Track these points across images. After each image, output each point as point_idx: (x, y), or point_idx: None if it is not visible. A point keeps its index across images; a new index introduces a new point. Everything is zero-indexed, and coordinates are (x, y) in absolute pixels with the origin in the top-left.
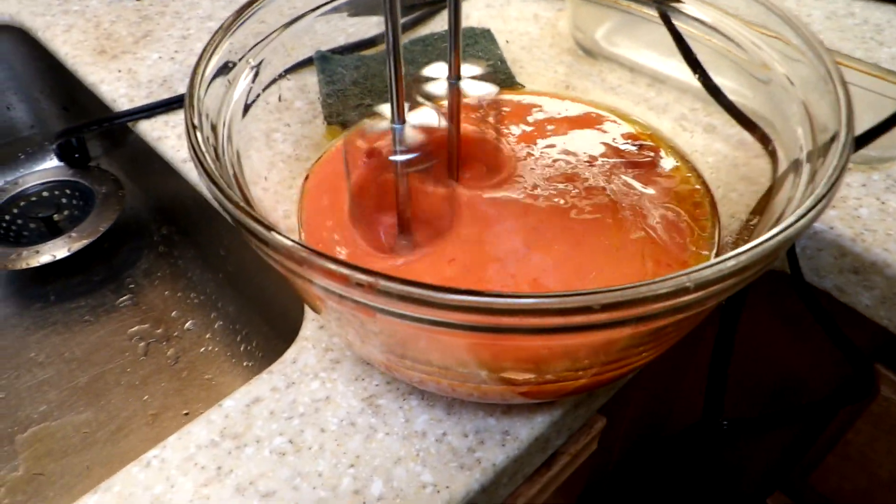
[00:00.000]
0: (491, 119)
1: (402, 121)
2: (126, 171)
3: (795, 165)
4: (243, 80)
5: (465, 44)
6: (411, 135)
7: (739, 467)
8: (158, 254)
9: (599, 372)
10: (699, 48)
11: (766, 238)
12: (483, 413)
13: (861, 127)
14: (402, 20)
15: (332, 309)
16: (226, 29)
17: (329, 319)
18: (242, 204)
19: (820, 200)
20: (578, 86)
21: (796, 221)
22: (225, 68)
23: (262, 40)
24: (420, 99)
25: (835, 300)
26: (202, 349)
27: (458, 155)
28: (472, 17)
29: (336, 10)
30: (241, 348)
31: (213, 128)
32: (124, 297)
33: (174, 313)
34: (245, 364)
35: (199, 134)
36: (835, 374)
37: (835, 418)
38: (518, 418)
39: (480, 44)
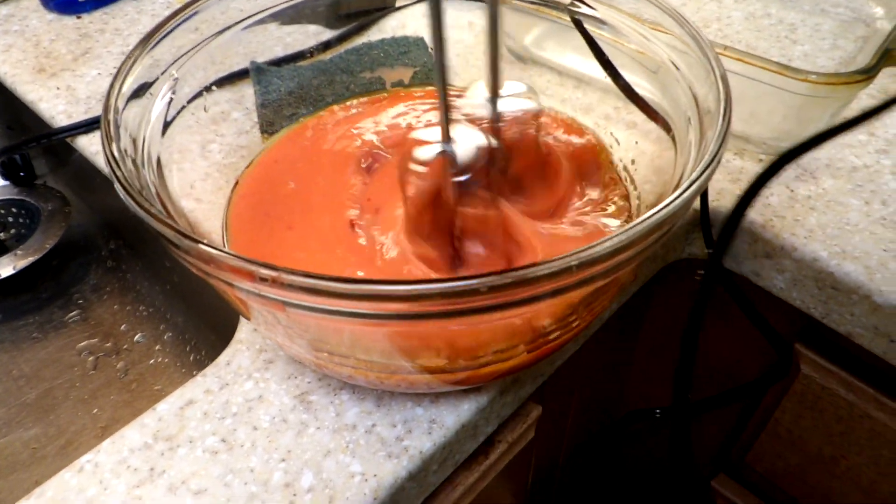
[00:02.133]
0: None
1: (449, 139)
2: (72, 187)
3: (688, 145)
4: (163, 95)
5: (398, 52)
6: (461, 154)
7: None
8: (106, 268)
9: (517, 354)
10: (610, 50)
11: (644, 218)
12: (411, 403)
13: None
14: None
15: (256, 310)
16: (144, 42)
17: (258, 323)
18: (155, 211)
19: (695, 181)
20: None
21: (676, 199)
22: (144, 85)
23: (186, 53)
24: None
25: (755, 285)
26: (151, 361)
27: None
28: (408, 26)
29: (270, 18)
30: (191, 358)
31: (133, 140)
32: (73, 313)
33: (123, 326)
34: (194, 373)
35: (114, 146)
36: (762, 357)
37: (763, 399)
38: (445, 407)
39: (412, 52)
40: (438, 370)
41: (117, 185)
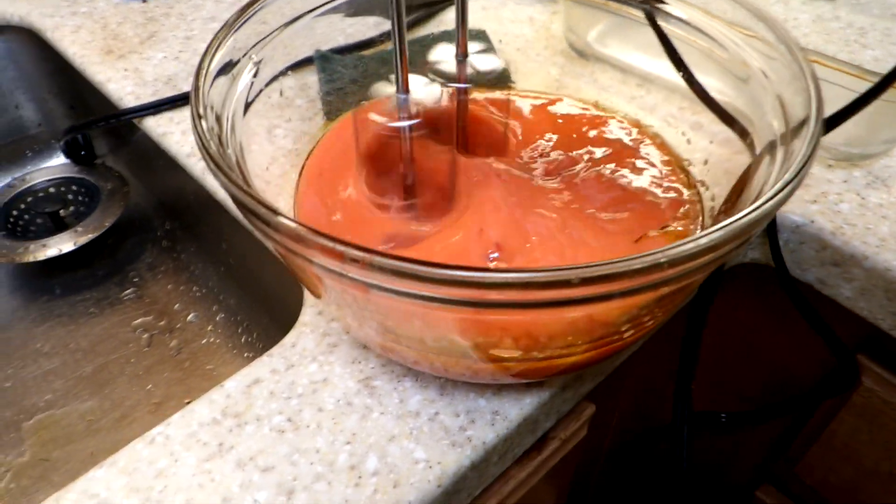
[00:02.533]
0: (494, 107)
1: (406, 90)
2: (131, 168)
3: (770, 150)
4: (245, 76)
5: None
6: (417, 105)
7: (729, 460)
8: (162, 248)
9: (585, 350)
10: (684, 48)
11: (739, 217)
12: (474, 394)
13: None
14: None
15: (330, 290)
16: (229, 26)
17: (328, 303)
18: (245, 187)
19: (791, 181)
20: (570, 85)
21: (768, 200)
22: (228, 64)
23: (263, 38)
24: (430, 76)
25: (819, 293)
26: (204, 340)
27: (465, 127)
28: (469, 18)
29: (334, 10)
30: (242, 339)
31: (218, 119)
32: (128, 291)
33: (177, 306)
34: (245, 355)
35: (203, 123)
36: (821, 367)
37: (819, 410)
38: (507, 399)
39: (473, 43)
40: (505, 360)
41: (208, 162)
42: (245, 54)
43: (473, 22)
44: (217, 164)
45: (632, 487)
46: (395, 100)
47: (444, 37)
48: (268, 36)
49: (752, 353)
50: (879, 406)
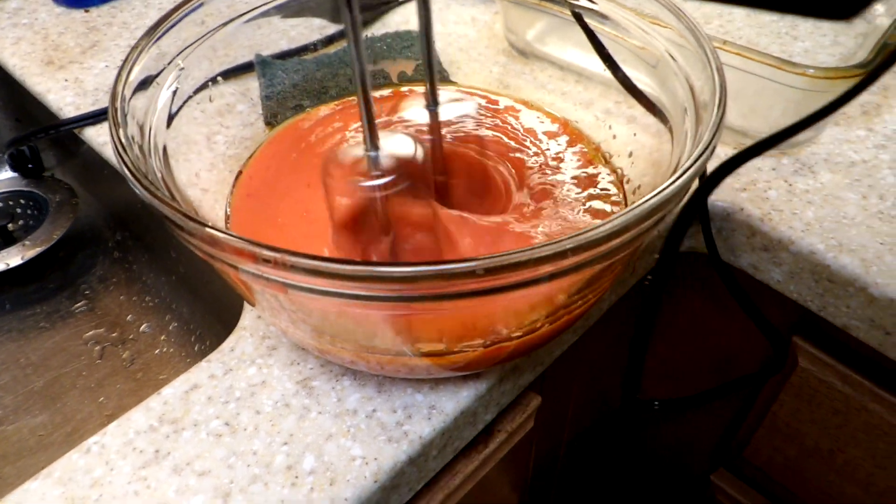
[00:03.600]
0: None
1: (376, 147)
2: (80, 179)
3: (683, 140)
4: (170, 83)
5: (401, 46)
6: (387, 160)
7: (687, 447)
8: (113, 259)
9: (510, 339)
10: (613, 46)
11: (640, 203)
12: (411, 390)
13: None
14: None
15: (259, 295)
16: (150, 33)
17: (262, 308)
18: (160, 194)
19: (691, 166)
20: (512, 84)
21: (670, 185)
22: (152, 73)
23: (191, 45)
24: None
25: (752, 278)
26: (157, 350)
27: (442, 176)
28: (411, 21)
29: (265, 14)
30: (196, 348)
31: (140, 128)
32: (80, 304)
33: (129, 317)
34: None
35: (121, 132)
36: (763, 350)
37: (761, 393)
38: (444, 393)
39: (415, 46)
40: (436, 354)
41: (123, 169)
42: (170, 62)
43: (416, 24)
44: (133, 172)
45: (596, 476)
46: (365, 158)
47: (385, 39)
48: (196, 41)
49: (699, 340)
50: (815, 385)
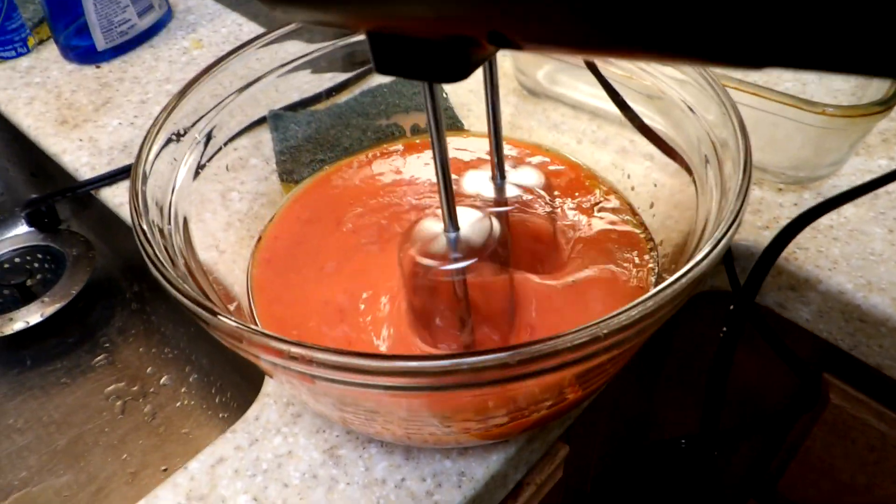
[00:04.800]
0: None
1: (456, 227)
2: (95, 231)
3: (709, 188)
4: (189, 154)
5: (412, 92)
6: (466, 240)
7: (715, 480)
8: (131, 311)
9: (542, 410)
10: (625, 90)
11: (667, 285)
12: (440, 456)
13: (763, 141)
14: (352, 73)
15: (280, 376)
16: (170, 107)
17: (281, 382)
18: (190, 291)
19: (718, 243)
20: (524, 125)
21: (699, 263)
22: (171, 140)
23: (206, 114)
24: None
25: (780, 316)
26: (178, 403)
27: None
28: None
29: (283, 75)
30: (217, 400)
31: (160, 207)
32: (100, 357)
33: (149, 369)
34: (221, 415)
35: (143, 221)
36: (789, 385)
37: (793, 428)
38: (473, 459)
39: None
40: (466, 429)
41: (149, 264)
42: (191, 126)
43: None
44: (165, 276)
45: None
46: (443, 239)
47: (395, 86)
48: (212, 110)
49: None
50: (849, 421)
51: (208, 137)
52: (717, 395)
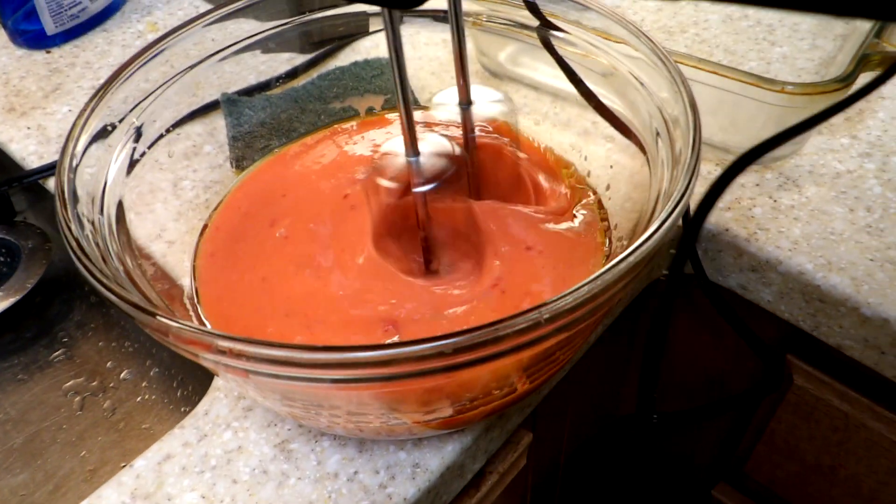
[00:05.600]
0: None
1: (417, 153)
2: (52, 223)
3: (661, 166)
4: (126, 140)
5: (371, 74)
6: (428, 163)
7: (684, 461)
8: (90, 305)
9: (493, 400)
10: (583, 70)
11: (612, 265)
12: (394, 448)
13: (726, 122)
14: (309, 56)
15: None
16: (102, 91)
17: (227, 379)
18: (112, 284)
19: (664, 222)
20: None
21: (644, 242)
22: (103, 132)
23: (152, 93)
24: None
25: (743, 297)
26: (139, 398)
27: (476, 175)
28: (381, 46)
29: (236, 53)
30: (178, 394)
31: (92, 197)
32: (58, 352)
33: (109, 364)
34: (182, 409)
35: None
36: (754, 368)
37: (758, 409)
38: (428, 450)
39: (386, 73)
40: (415, 420)
41: (76, 261)
42: (123, 118)
43: (386, 50)
44: (89, 270)
45: (598, 490)
46: (405, 162)
47: (353, 69)
48: (156, 90)
49: (689, 359)
50: (813, 403)
51: (144, 124)
52: (653, 363)
